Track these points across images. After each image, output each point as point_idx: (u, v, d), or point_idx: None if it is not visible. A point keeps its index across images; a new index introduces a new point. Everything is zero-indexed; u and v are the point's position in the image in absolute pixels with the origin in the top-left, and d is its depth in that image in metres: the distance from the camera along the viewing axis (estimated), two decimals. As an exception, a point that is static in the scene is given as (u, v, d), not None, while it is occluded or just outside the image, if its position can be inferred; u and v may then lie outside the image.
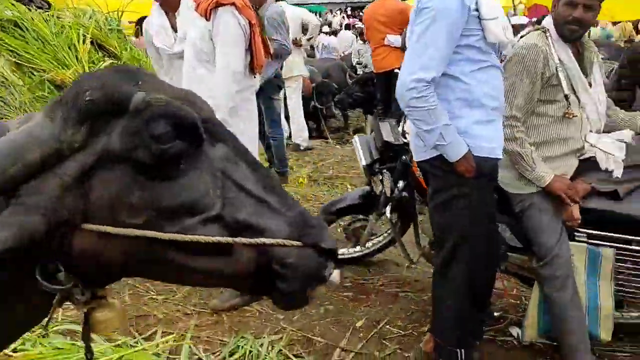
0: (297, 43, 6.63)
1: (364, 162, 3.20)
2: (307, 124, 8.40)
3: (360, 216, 3.64)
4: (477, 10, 2.18)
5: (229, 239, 1.03)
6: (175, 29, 3.51)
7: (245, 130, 3.00)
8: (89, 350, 1.23)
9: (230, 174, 1.08)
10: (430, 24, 2.15)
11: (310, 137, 7.73)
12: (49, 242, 0.96)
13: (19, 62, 5.39)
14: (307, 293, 1.12)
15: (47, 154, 0.94)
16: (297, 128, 7.09)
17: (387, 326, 3.17)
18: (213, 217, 1.04)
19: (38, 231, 0.91)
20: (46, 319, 1.12)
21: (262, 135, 5.83)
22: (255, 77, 3.04)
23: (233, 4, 2.80)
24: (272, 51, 3.52)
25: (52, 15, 5.96)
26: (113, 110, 0.99)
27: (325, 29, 15.95)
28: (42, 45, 5.61)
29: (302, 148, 7.07)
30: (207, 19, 2.81)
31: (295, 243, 1.08)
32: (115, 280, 1.16)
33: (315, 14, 10.52)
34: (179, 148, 1.01)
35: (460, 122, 2.25)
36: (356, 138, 3.38)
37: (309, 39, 7.29)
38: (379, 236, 3.83)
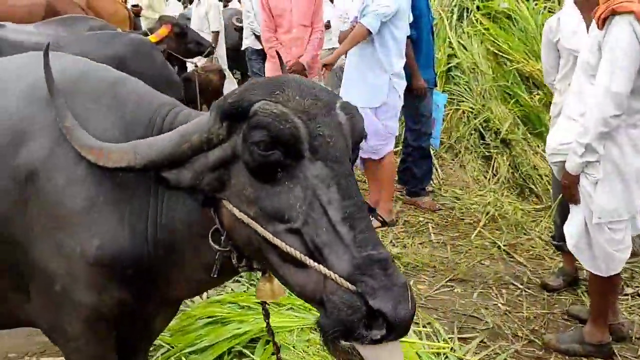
0: None
1: None
2: None
3: None
4: None
5: (296, 252, 1.13)
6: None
7: (622, 163, 2.49)
8: (264, 309, 1.57)
9: (319, 194, 1.14)
10: None
11: None
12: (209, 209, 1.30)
13: (497, 51, 5.76)
14: (338, 344, 1.07)
15: (203, 139, 1.26)
16: None
17: None
18: (294, 229, 1.15)
19: (184, 181, 1.27)
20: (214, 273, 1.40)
21: None
22: (652, 102, 2.45)
23: (632, 12, 2.31)
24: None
25: (545, 8, 6.04)
26: (240, 115, 1.20)
27: None
28: (524, 37, 5.81)
29: None
30: (600, 28, 2.43)
31: (345, 283, 1.07)
32: (260, 261, 1.34)
33: None
34: (276, 157, 1.15)
35: None
36: None
37: None
38: None
